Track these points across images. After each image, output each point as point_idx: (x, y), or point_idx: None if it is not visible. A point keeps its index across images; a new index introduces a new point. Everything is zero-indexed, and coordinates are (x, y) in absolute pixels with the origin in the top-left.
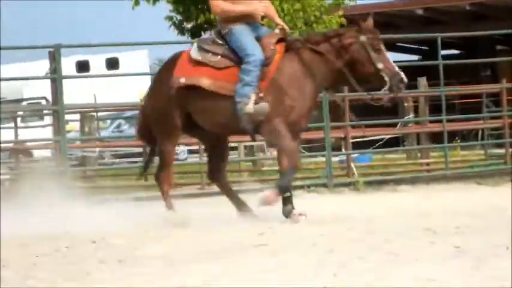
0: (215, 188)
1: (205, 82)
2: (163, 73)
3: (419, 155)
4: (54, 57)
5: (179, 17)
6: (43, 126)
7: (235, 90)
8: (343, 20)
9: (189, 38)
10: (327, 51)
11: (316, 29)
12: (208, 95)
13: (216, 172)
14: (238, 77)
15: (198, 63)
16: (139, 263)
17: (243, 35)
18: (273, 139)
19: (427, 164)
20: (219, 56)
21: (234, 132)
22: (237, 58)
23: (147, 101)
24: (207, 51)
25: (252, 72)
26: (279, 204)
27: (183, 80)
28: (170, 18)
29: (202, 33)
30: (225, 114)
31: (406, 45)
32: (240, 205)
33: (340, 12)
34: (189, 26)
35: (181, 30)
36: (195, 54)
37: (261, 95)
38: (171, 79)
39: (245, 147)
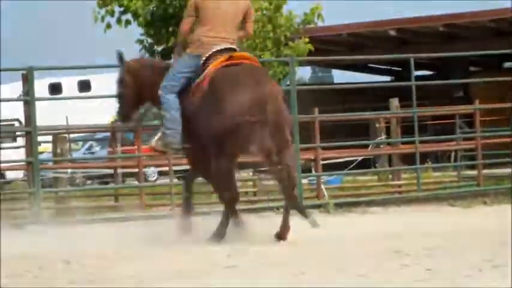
0: None
1: None
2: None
3: (390, 176)
4: (27, 80)
5: (150, 40)
6: (16, 148)
7: None
8: (311, 46)
9: None
10: None
11: (284, 51)
12: None
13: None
14: None
15: None
16: (110, 283)
17: None
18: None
19: (399, 186)
20: None
21: None
22: None
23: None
24: None
25: None
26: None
27: None
28: (141, 41)
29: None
30: None
31: (378, 66)
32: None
33: (307, 39)
34: (159, 48)
35: (152, 53)
36: None
37: None
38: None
39: None
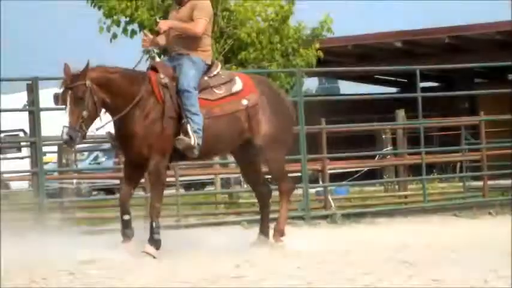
0: (191, 220)
1: None
2: None
3: (397, 187)
4: (32, 90)
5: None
6: (21, 158)
7: None
8: (321, 54)
9: None
10: None
11: (293, 61)
12: None
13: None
14: None
15: None
16: None
17: None
18: None
19: (405, 197)
20: None
21: None
22: None
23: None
24: None
25: None
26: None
27: None
28: (147, 51)
29: None
30: None
31: (384, 77)
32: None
33: (317, 45)
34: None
35: None
36: None
37: None
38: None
39: (221, 179)
